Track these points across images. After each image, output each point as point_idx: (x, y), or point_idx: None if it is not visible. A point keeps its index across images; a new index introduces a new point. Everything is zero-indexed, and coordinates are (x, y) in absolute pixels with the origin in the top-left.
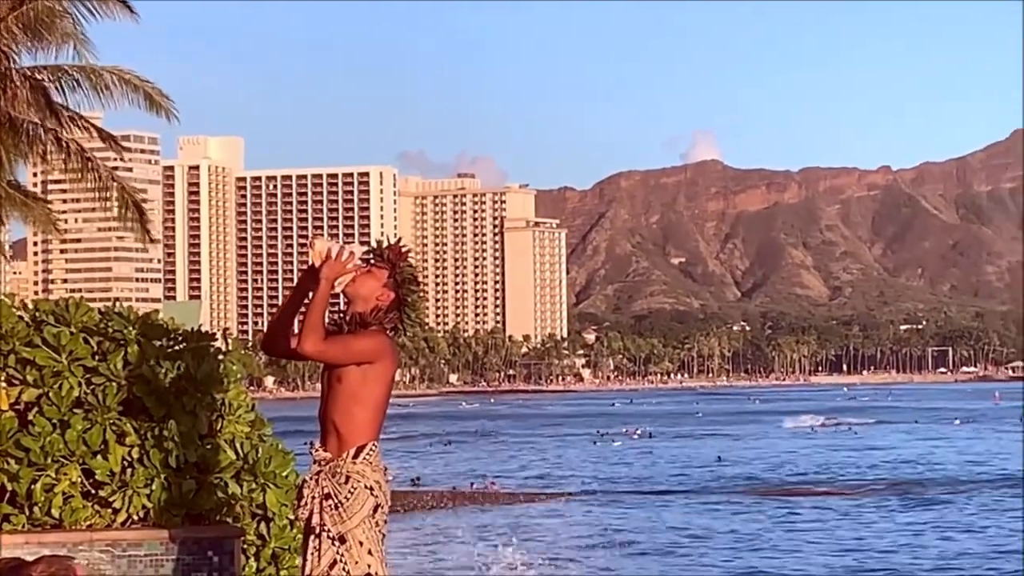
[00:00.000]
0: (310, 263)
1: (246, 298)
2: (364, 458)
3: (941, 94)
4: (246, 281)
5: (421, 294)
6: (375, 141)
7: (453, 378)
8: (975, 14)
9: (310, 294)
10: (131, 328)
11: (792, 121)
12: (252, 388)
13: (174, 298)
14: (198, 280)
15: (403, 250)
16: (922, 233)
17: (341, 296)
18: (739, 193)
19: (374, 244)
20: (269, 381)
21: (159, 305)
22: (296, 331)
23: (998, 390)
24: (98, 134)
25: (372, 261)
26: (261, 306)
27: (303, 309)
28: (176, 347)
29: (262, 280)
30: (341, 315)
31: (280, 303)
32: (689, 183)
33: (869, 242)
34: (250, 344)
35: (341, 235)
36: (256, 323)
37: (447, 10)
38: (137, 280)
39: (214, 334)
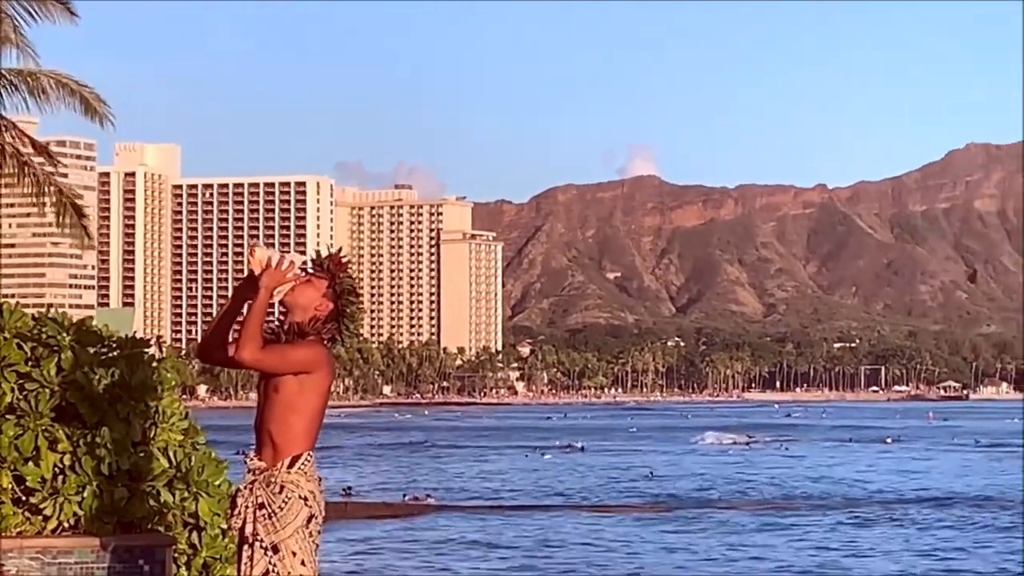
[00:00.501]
0: (249, 271)
1: (180, 306)
2: (299, 468)
3: (878, 113)
4: (180, 289)
5: (360, 305)
6: (313, 151)
7: (387, 390)
8: (912, 35)
9: (248, 302)
10: (65, 334)
11: (729, 137)
12: (185, 396)
13: (108, 305)
14: (132, 287)
15: (343, 261)
16: (857, 252)
17: (279, 305)
18: (675, 209)
19: (314, 254)
20: (202, 390)
21: (92, 312)
22: (233, 339)
23: (931, 410)
24: (31, 144)
25: (312, 271)
26: (195, 314)
27: (241, 318)
28: (110, 354)
29: (196, 288)
30: (279, 324)
31: (215, 312)
32: (626, 198)
33: (804, 260)
34: (183, 352)
35: (277, 245)
36: (190, 331)
37: (386, 20)
38: (71, 286)
39: (149, 341)
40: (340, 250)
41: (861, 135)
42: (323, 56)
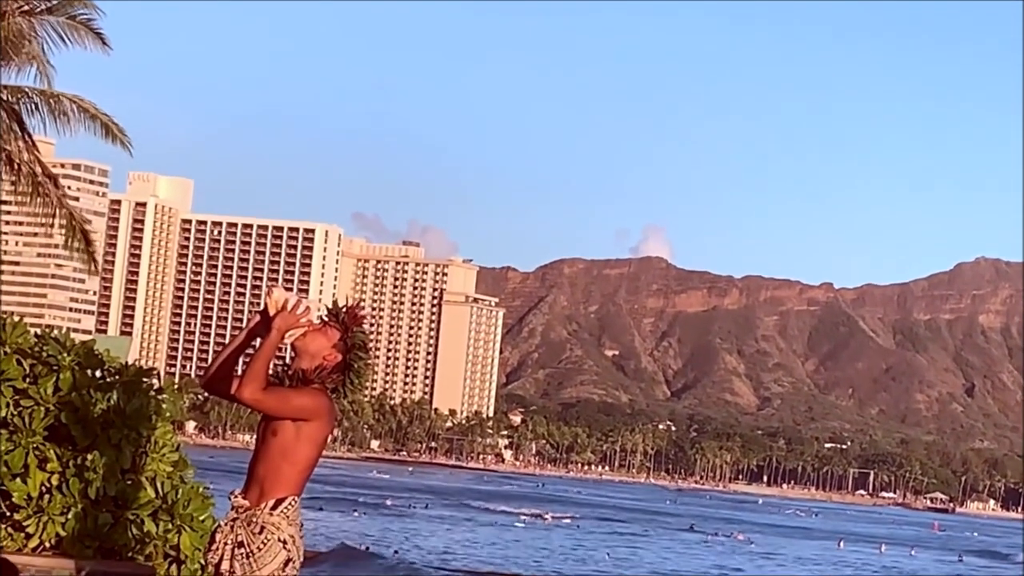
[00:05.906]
0: (264, 310)
1: (177, 339)
2: (282, 511)
3: (891, 218)
4: (179, 322)
5: (369, 362)
6: (332, 198)
7: (375, 444)
8: (935, 144)
9: (258, 341)
10: (66, 355)
11: (741, 228)
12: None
13: (105, 331)
14: (131, 316)
15: (359, 314)
16: (857, 354)
17: (288, 349)
18: (680, 293)
19: (330, 303)
20: (190, 426)
21: (89, 337)
22: (238, 375)
23: (936, 520)
24: (42, 170)
25: (326, 319)
26: (192, 349)
27: (247, 354)
28: (109, 379)
29: (195, 324)
30: (284, 368)
31: (211, 348)
32: (632, 277)
33: (803, 357)
34: (176, 386)
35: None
36: (184, 366)
37: (419, 83)
38: (71, 310)
39: (151, 370)
40: (359, 303)
41: (872, 239)
42: (352, 106)
